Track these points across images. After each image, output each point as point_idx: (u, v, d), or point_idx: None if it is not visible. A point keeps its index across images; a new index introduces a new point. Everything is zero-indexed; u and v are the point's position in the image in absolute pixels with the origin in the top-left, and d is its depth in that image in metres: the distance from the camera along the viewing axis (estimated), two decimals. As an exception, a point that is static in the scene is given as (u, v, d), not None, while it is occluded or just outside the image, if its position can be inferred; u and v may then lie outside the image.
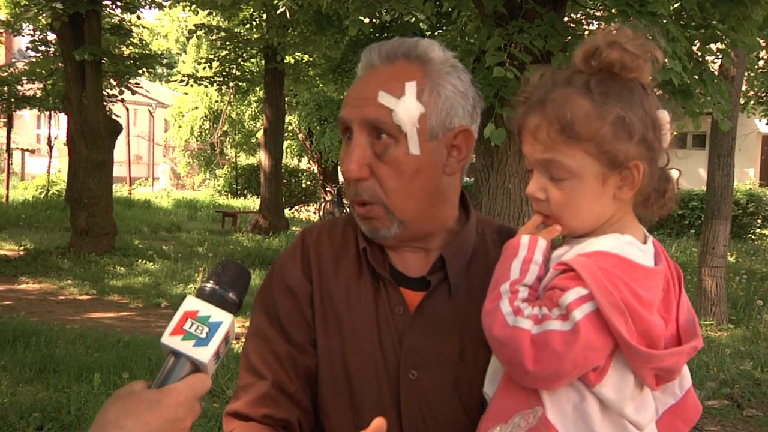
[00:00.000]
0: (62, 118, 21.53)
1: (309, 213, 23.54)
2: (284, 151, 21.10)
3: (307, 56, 17.70)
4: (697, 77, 5.38)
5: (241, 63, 18.15)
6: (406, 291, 1.33)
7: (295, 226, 18.09)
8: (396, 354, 1.30)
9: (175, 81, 22.06)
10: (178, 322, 1.00)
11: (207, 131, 26.60)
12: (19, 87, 16.88)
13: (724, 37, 5.76)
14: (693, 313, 1.18)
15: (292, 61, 17.72)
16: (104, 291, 9.86)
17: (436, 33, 10.25)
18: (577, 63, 1.15)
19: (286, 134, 21.14)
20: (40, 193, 21.07)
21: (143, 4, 14.22)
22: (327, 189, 21.74)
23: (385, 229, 1.30)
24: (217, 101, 25.54)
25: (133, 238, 14.58)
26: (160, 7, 15.58)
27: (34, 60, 15.60)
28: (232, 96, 21.78)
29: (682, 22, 5.69)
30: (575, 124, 1.11)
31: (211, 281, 1.05)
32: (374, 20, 11.53)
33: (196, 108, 26.77)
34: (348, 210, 1.52)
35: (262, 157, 17.72)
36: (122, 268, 11.41)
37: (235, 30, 17.57)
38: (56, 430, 4.59)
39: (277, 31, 14.93)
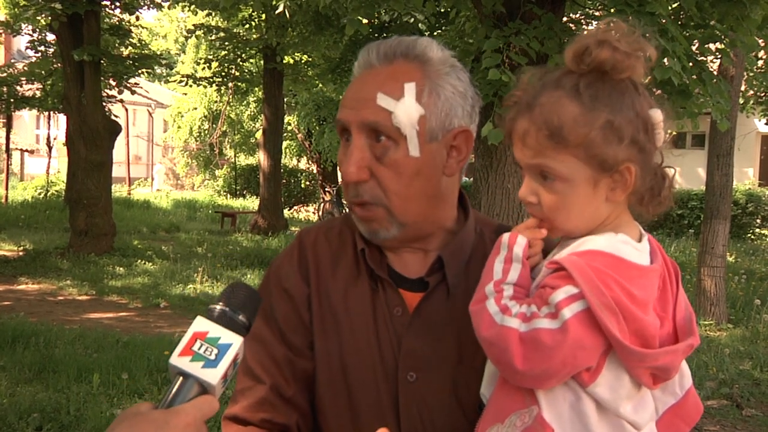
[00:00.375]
0: (61, 119, 21.54)
1: (308, 213, 23.55)
2: (283, 151, 21.10)
3: (306, 56, 17.70)
4: (696, 77, 5.38)
5: (240, 63, 18.15)
6: (404, 292, 1.33)
7: (294, 227, 18.08)
8: (394, 356, 1.29)
9: (174, 81, 22.02)
10: (187, 343, 0.99)
11: (206, 131, 26.59)
12: (18, 87, 16.88)
13: (723, 36, 5.76)
14: (691, 310, 1.18)
15: (291, 61, 17.72)
16: (103, 291, 9.86)
17: (434, 33, 10.25)
18: (567, 63, 1.14)
19: (285, 134, 21.13)
20: (39, 194, 21.06)
21: (142, 4, 14.22)
22: (326, 189, 21.74)
23: (384, 231, 1.29)
24: (216, 101, 25.54)
25: (132, 239, 14.57)
26: (159, 7, 15.59)
27: (33, 60, 15.60)
28: (231, 96, 21.77)
29: (681, 22, 5.69)
30: (563, 129, 1.09)
31: (221, 303, 1.04)
32: (373, 20, 11.52)
33: (195, 108, 26.76)
34: (347, 210, 1.50)
35: (261, 158, 17.72)
36: (121, 269, 11.40)
37: (234, 30, 17.57)
38: (55, 431, 4.58)
39: (276, 32, 14.93)
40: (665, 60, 4.68)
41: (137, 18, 15.59)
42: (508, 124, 1.17)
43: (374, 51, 1.30)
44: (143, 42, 16.73)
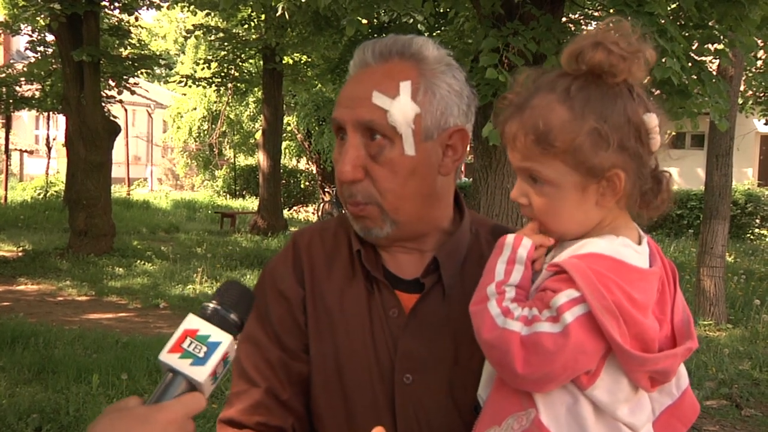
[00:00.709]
0: (61, 119, 21.55)
1: (307, 214, 23.55)
2: (283, 151, 21.09)
3: (305, 57, 17.70)
4: (695, 77, 5.38)
5: (240, 64, 18.15)
6: (400, 293, 1.32)
7: (293, 227, 18.08)
8: (390, 357, 1.28)
9: (174, 82, 22.01)
10: (177, 339, 1.00)
11: (205, 132, 26.59)
12: (17, 88, 16.88)
13: (722, 37, 5.77)
14: (688, 312, 1.17)
15: (291, 61, 17.72)
16: (103, 292, 9.86)
17: (434, 33, 10.25)
18: (563, 64, 1.13)
19: (284, 135, 21.13)
20: (39, 194, 21.05)
21: (141, 4, 14.22)
22: (325, 190, 21.75)
23: (377, 229, 1.28)
24: (215, 102, 25.54)
25: (131, 239, 14.57)
26: (159, 7, 15.58)
27: (32, 61, 15.59)
28: (230, 97, 21.78)
29: (680, 22, 5.70)
30: (550, 135, 1.08)
31: (214, 301, 1.05)
32: (372, 21, 11.52)
33: (195, 109, 26.76)
34: (346, 210, 1.49)
35: (260, 158, 17.71)
36: (121, 269, 11.40)
37: (234, 31, 17.57)
38: (55, 431, 4.59)
39: (276, 32, 14.93)
40: (664, 60, 4.68)
41: (136, 18, 15.58)
42: (501, 125, 1.17)
43: (370, 50, 1.29)
44: (142, 42, 16.73)
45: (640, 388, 1.12)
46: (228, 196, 26.39)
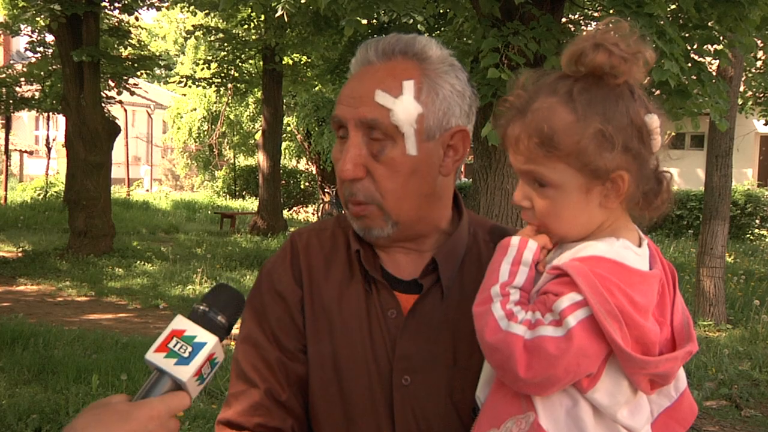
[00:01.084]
0: (60, 120, 21.54)
1: (307, 214, 23.54)
2: (282, 152, 21.08)
3: (305, 57, 17.70)
4: (694, 77, 5.39)
5: (239, 64, 18.14)
6: (398, 294, 1.32)
7: (293, 227, 18.07)
8: (388, 359, 1.28)
9: (174, 82, 22.02)
10: (164, 339, 1.02)
11: (205, 132, 26.58)
12: (17, 88, 16.87)
13: (721, 37, 5.77)
14: (687, 314, 1.17)
15: (291, 62, 17.72)
16: (102, 292, 9.86)
17: (433, 34, 10.26)
18: (563, 66, 1.13)
19: (284, 135, 21.11)
20: (39, 195, 21.05)
21: (141, 5, 14.22)
22: (325, 190, 21.75)
23: (378, 229, 1.28)
24: (215, 102, 25.53)
25: (131, 240, 14.57)
26: (158, 8, 15.58)
27: (32, 61, 15.59)
28: (230, 97, 21.77)
29: (680, 23, 5.70)
30: (554, 137, 1.08)
31: (204, 304, 1.07)
32: (372, 21, 11.53)
33: (195, 109, 26.75)
34: (346, 211, 1.47)
35: (260, 159, 17.71)
36: (120, 270, 11.40)
37: (234, 31, 17.57)
38: (54, 432, 4.59)
39: (275, 32, 14.93)
40: (662, 62, 4.68)
41: (136, 19, 15.59)
42: (502, 128, 1.17)
43: (372, 48, 1.28)
44: (142, 43, 16.71)
45: (640, 390, 1.12)
46: (228, 196, 26.38)
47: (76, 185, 12.46)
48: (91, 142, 12.19)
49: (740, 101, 13.54)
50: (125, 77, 14.74)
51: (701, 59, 5.80)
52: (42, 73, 15.48)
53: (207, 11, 15.52)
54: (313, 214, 23.29)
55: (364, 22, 6.44)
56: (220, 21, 18.18)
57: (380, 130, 1.23)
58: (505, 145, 1.18)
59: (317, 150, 22.07)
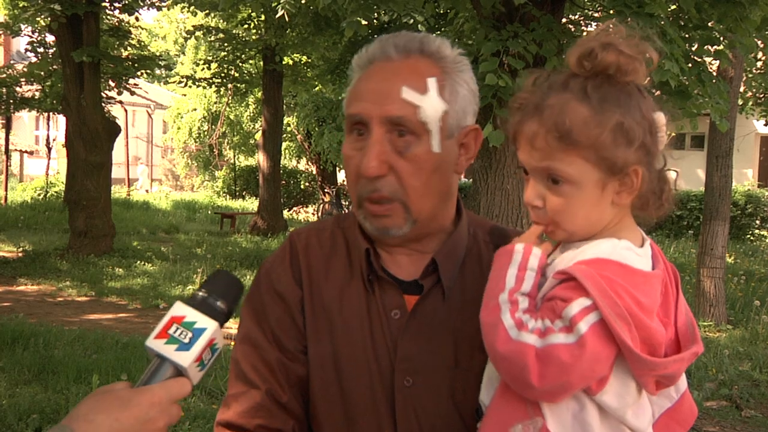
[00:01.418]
0: (61, 120, 21.55)
1: (307, 214, 23.54)
2: (283, 152, 21.08)
3: (305, 57, 17.70)
4: (695, 78, 5.39)
5: (240, 64, 18.14)
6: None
7: (293, 228, 18.03)
8: (390, 359, 1.27)
9: (174, 82, 22.02)
10: (164, 326, 1.02)
11: (205, 132, 26.57)
12: (17, 88, 16.87)
13: (721, 38, 5.77)
14: (691, 316, 1.17)
15: (291, 62, 17.72)
16: (103, 292, 9.86)
17: (434, 34, 10.25)
18: (571, 65, 1.13)
19: (284, 135, 21.11)
20: (39, 195, 21.04)
21: (142, 5, 14.22)
22: (325, 190, 21.74)
23: (396, 228, 1.27)
24: (215, 102, 25.53)
25: (131, 240, 14.56)
26: (159, 8, 15.58)
27: (32, 61, 15.59)
28: (230, 97, 21.77)
29: (680, 23, 5.70)
30: (574, 131, 1.08)
31: (203, 290, 1.07)
32: (372, 21, 11.52)
33: (195, 109, 26.75)
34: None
35: (260, 159, 17.71)
36: (121, 270, 11.40)
37: (234, 31, 17.57)
38: (55, 432, 4.58)
39: (276, 32, 14.93)
40: (663, 62, 4.69)
41: (137, 19, 15.58)
42: (515, 127, 1.16)
43: (390, 44, 1.28)
44: (142, 43, 16.71)
45: (646, 391, 1.12)
46: (228, 196, 26.38)
47: (76, 185, 12.46)
48: (92, 142, 12.19)
49: (740, 102, 13.53)
50: (125, 77, 14.74)
51: (701, 59, 5.80)
52: (42, 73, 15.48)
53: (207, 11, 15.50)
54: (313, 214, 23.29)
55: (364, 22, 6.44)
56: (221, 21, 18.17)
57: (406, 127, 1.23)
58: (518, 143, 1.17)
59: (317, 150, 22.07)
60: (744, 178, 20.37)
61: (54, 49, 14.36)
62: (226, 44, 17.48)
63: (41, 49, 15.50)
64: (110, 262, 11.90)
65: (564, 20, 6.44)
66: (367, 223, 1.29)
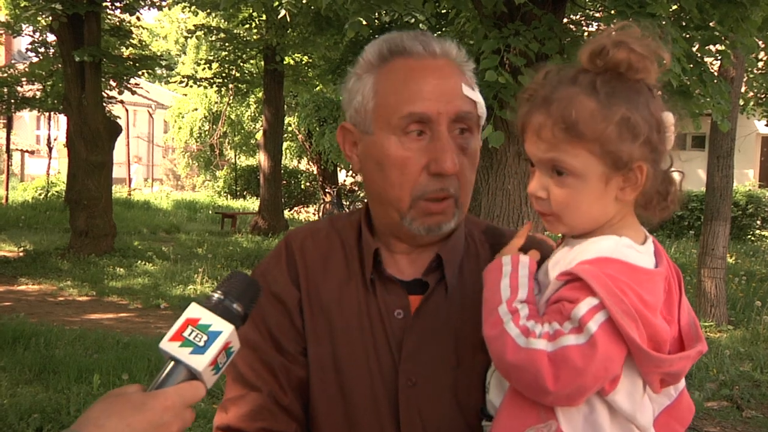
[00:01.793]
0: (62, 119, 21.55)
1: (308, 214, 23.54)
2: (284, 152, 21.08)
3: (306, 57, 17.70)
4: (696, 78, 5.38)
5: (241, 64, 18.14)
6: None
7: (294, 227, 18.05)
8: (393, 359, 1.27)
9: (175, 82, 22.04)
10: (178, 328, 1.00)
11: (206, 132, 26.57)
12: (18, 88, 16.88)
13: (723, 38, 5.76)
14: (693, 315, 1.18)
15: (292, 62, 17.72)
16: (104, 292, 9.86)
17: (435, 34, 10.25)
18: (582, 61, 1.14)
19: (285, 135, 21.12)
20: (40, 194, 21.05)
21: (143, 4, 14.22)
22: (326, 190, 21.73)
23: (446, 224, 1.27)
24: (216, 102, 25.53)
25: (132, 239, 14.57)
26: (160, 8, 15.58)
27: (33, 61, 15.60)
28: (231, 97, 21.77)
29: (682, 23, 5.70)
30: (580, 123, 1.09)
31: (219, 291, 1.05)
32: (373, 21, 11.51)
33: (196, 109, 26.76)
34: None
35: (261, 159, 17.71)
36: (122, 269, 11.40)
37: (235, 31, 17.57)
38: (56, 431, 4.59)
39: (277, 32, 14.93)
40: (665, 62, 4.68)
41: (138, 18, 15.59)
42: (523, 118, 1.17)
43: (418, 43, 1.28)
44: (144, 43, 16.72)
45: (651, 389, 1.12)
46: (229, 196, 26.39)
47: (77, 185, 12.47)
48: (93, 141, 12.20)
49: (741, 102, 13.53)
50: (126, 77, 14.75)
51: (703, 60, 5.79)
52: (43, 72, 15.50)
53: (208, 11, 15.50)
54: (314, 214, 23.28)
55: (365, 23, 6.44)
56: (222, 21, 18.18)
57: (469, 123, 1.25)
58: (525, 134, 1.17)
59: (318, 150, 22.07)
60: (745, 179, 20.36)
61: (55, 48, 14.37)
62: (227, 44, 17.48)
63: (42, 49, 15.53)
64: (111, 261, 11.90)
65: (565, 20, 6.43)
66: (416, 223, 1.26)
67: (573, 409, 1.09)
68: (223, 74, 18.28)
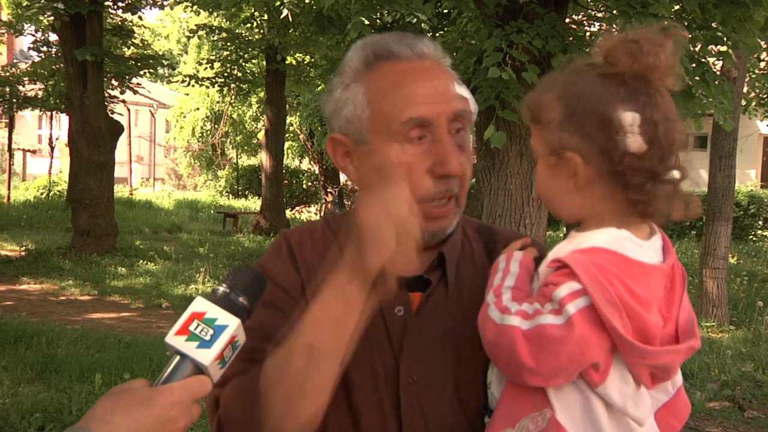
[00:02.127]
0: (64, 119, 21.55)
1: (310, 214, 23.54)
2: (285, 151, 21.07)
3: (308, 57, 17.70)
4: (699, 78, 5.38)
5: (243, 64, 18.15)
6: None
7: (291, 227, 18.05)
8: (395, 357, 1.26)
9: (177, 82, 22.03)
10: (184, 322, 1.00)
11: (208, 132, 26.60)
12: (20, 87, 16.91)
13: (725, 38, 5.75)
14: (693, 314, 1.18)
15: (294, 62, 17.72)
16: (105, 291, 9.87)
17: (437, 34, 10.24)
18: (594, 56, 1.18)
19: (287, 135, 21.12)
20: (42, 194, 21.07)
21: (145, 4, 14.23)
22: (328, 190, 21.74)
23: (449, 226, 1.29)
24: (218, 102, 25.55)
25: (134, 239, 14.58)
26: (162, 7, 15.59)
27: (35, 60, 15.62)
28: (233, 97, 21.78)
29: (684, 24, 5.69)
30: (533, 110, 1.17)
31: (224, 285, 1.04)
32: (375, 21, 11.50)
33: (198, 109, 26.78)
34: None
35: (263, 158, 17.73)
36: (123, 269, 11.41)
37: (237, 30, 17.58)
38: (57, 431, 4.59)
39: (279, 32, 14.93)
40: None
41: (140, 18, 15.59)
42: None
43: (404, 45, 1.28)
44: (145, 42, 16.73)
45: (642, 384, 1.13)
46: (230, 196, 26.41)
47: (79, 184, 12.48)
48: (94, 141, 12.21)
49: (743, 102, 13.52)
50: (128, 76, 14.76)
51: (705, 60, 5.79)
52: (45, 72, 15.52)
53: (210, 10, 15.50)
54: (315, 213, 23.29)
55: (367, 23, 6.44)
56: (224, 20, 18.18)
57: (464, 122, 1.26)
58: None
59: (320, 150, 22.05)
60: (747, 179, 20.36)
61: (57, 48, 14.39)
62: (229, 43, 17.49)
63: (44, 48, 15.57)
64: (113, 261, 11.91)
65: (567, 20, 6.43)
66: (419, 228, 1.22)
67: (569, 397, 1.11)
68: (225, 74, 18.29)
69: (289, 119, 21.78)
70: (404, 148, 1.23)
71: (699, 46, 5.75)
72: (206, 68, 18.43)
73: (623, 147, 1.11)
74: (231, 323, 1.00)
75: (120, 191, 21.83)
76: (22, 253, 12.55)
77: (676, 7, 5.74)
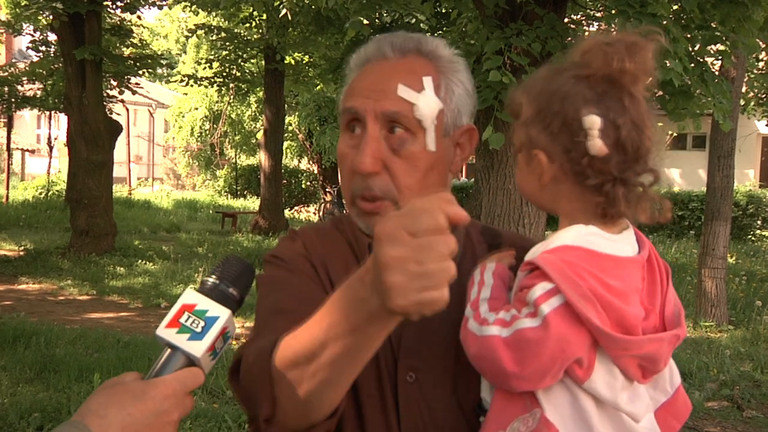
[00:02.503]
0: (62, 119, 21.54)
1: (309, 214, 23.55)
2: (284, 151, 21.09)
3: (307, 57, 17.71)
4: (697, 77, 5.38)
5: (241, 63, 18.16)
6: None
7: (294, 227, 18.04)
8: (393, 355, 1.27)
9: (175, 81, 22.04)
10: (174, 314, 0.99)
11: (207, 132, 26.59)
12: (19, 87, 16.89)
13: (724, 38, 5.76)
14: (680, 306, 1.19)
15: (292, 61, 17.73)
16: (104, 291, 9.87)
17: (436, 34, 10.25)
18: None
19: (286, 135, 21.13)
20: (40, 194, 21.06)
21: (143, 3, 14.23)
22: (327, 190, 21.74)
23: None
24: (217, 102, 25.55)
25: (133, 239, 14.58)
26: (160, 7, 15.59)
27: (34, 60, 15.61)
28: (232, 96, 21.78)
29: (682, 23, 5.69)
30: (513, 106, 1.21)
31: (213, 276, 1.04)
32: (374, 21, 11.51)
33: (196, 108, 26.77)
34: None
35: (262, 158, 17.73)
36: (122, 269, 11.41)
37: (235, 30, 17.58)
38: (56, 431, 4.59)
39: (277, 31, 14.94)
40: (666, 61, 4.68)
41: (138, 18, 15.59)
42: None
43: (387, 43, 1.28)
44: (144, 42, 16.72)
45: (632, 377, 1.13)
46: (229, 195, 26.40)
47: (77, 184, 12.47)
48: (93, 141, 12.20)
49: (742, 102, 13.53)
50: (127, 76, 14.75)
51: (704, 59, 5.79)
52: (44, 71, 15.50)
53: (209, 10, 15.50)
54: (314, 213, 23.28)
55: (366, 22, 6.42)
56: (222, 20, 18.17)
57: (402, 125, 1.23)
58: None
59: (319, 149, 22.07)
60: (745, 179, 20.37)
61: (56, 47, 14.38)
62: (227, 43, 17.49)
63: (43, 48, 15.54)
64: (111, 261, 11.91)
65: (566, 20, 6.44)
66: (359, 220, 1.29)
67: (558, 395, 1.11)
68: (224, 73, 18.29)
69: (287, 119, 21.78)
70: (344, 138, 1.28)
71: (698, 45, 5.75)
72: (205, 68, 18.43)
73: (584, 149, 1.12)
74: (222, 314, 1.00)
75: (119, 191, 21.83)
76: (21, 253, 12.55)
77: (675, 7, 5.74)
